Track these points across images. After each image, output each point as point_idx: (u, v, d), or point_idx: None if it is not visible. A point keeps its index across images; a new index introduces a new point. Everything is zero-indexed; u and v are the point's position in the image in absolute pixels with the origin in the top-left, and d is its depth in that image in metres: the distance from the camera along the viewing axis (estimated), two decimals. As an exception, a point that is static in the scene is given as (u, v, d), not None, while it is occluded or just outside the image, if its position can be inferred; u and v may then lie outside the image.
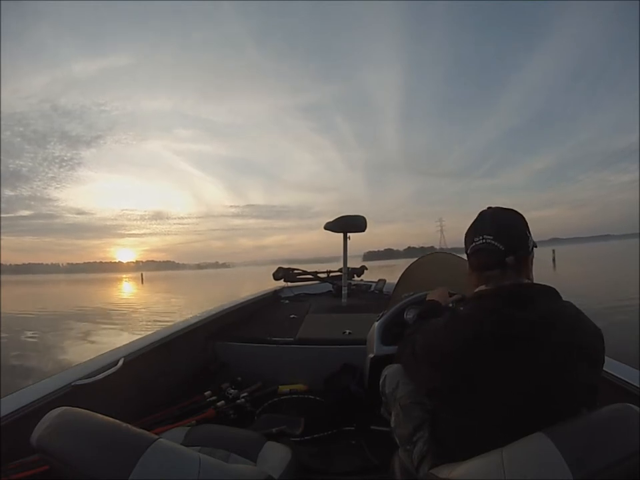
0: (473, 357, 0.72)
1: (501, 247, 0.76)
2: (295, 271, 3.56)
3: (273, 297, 3.46)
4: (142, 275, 55.48)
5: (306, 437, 1.51)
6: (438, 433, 0.86)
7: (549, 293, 0.77)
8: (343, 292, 2.98)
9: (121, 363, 1.33)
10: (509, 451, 0.58)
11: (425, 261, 1.85)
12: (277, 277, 3.47)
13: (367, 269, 3.96)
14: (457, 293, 1.23)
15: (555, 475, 0.52)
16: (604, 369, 1.07)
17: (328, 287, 3.62)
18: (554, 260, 28.07)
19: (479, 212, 0.86)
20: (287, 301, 3.32)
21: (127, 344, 1.59)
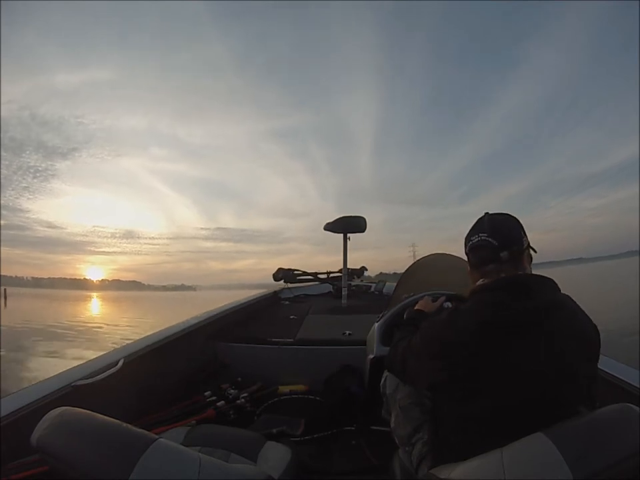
0: (473, 348, 0.73)
1: (495, 242, 0.83)
2: (295, 272, 3.56)
3: (273, 297, 3.46)
4: (4, 291, 35.14)
5: (306, 437, 1.51)
6: (437, 434, 0.86)
7: (547, 283, 0.79)
8: (342, 293, 2.98)
9: (121, 363, 1.33)
10: (509, 451, 0.58)
11: (425, 262, 1.84)
12: (277, 277, 3.47)
13: (367, 269, 3.96)
14: (444, 294, 1.23)
15: (555, 475, 0.52)
16: (605, 369, 1.08)
17: (328, 287, 3.62)
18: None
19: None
20: (287, 302, 3.33)
21: (127, 344, 1.59)
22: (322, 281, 3.65)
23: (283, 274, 3.47)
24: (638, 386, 1.02)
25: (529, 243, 0.86)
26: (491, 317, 0.74)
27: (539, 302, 0.74)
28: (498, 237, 0.83)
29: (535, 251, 0.87)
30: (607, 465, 0.52)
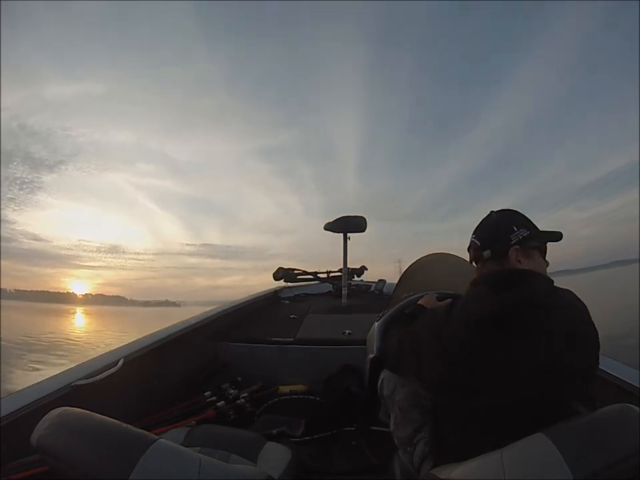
0: (468, 346, 0.74)
1: (478, 242, 0.89)
2: (295, 271, 3.55)
3: (273, 297, 3.45)
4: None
5: (306, 438, 1.50)
6: (438, 434, 0.86)
7: (533, 276, 0.79)
8: (342, 292, 2.98)
9: (120, 363, 1.33)
10: (509, 451, 0.58)
11: (425, 261, 1.84)
12: (277, 277, 3.46)
13: (367, 269, 3.95)
14: (450, 294, 1.23)
15: (555, 475, 0.52)
16: (605, 369, 1.08)
17: (328, 287, 3.61)
18: None
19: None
20: (287, 301, 3.32)
21: (126, 344, 1.59)
22: (322, 280, 3.65)
23: (283, 273, 3.46)
24: (638, 386, 1.02)
25: (524, 237, 0.83)
26: (479, 313, 0.75)
27: (521, 296, 0.75)
28: (482, 236, 0.89)
29: (545, 241, 0.88)
30: (607, 464, 0.52)
